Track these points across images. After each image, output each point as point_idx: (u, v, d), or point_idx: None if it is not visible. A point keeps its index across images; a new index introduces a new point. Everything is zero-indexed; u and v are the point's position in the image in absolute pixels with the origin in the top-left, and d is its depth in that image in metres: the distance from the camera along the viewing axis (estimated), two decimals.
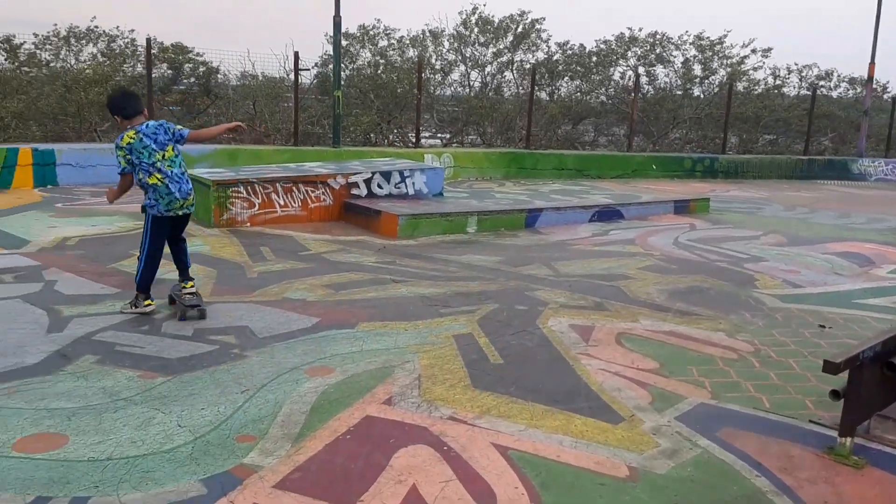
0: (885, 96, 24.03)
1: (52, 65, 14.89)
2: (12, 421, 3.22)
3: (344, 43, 21.78)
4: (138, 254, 5.07)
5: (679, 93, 23.91)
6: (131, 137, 4.81)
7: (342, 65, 22.55)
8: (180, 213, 5.01)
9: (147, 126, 4.88)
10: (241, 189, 8.23)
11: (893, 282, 6.84)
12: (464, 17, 23.32)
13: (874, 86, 23.41)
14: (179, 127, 5.07)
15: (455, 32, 23.60)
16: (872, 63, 19.08)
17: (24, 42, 14.45)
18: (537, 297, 5.72)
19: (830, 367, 3.03)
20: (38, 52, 14.80)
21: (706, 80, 23.72)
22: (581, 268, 6.89)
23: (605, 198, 10.70)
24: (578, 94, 23.89)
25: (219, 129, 5.36)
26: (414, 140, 16.95)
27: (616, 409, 3.65)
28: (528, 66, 23.65)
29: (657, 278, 6.59)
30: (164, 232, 5.03)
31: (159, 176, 4.86)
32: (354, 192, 9.10)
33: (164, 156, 4.89)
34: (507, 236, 8.44)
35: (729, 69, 24.02)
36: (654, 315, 5.38)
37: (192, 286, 5.13)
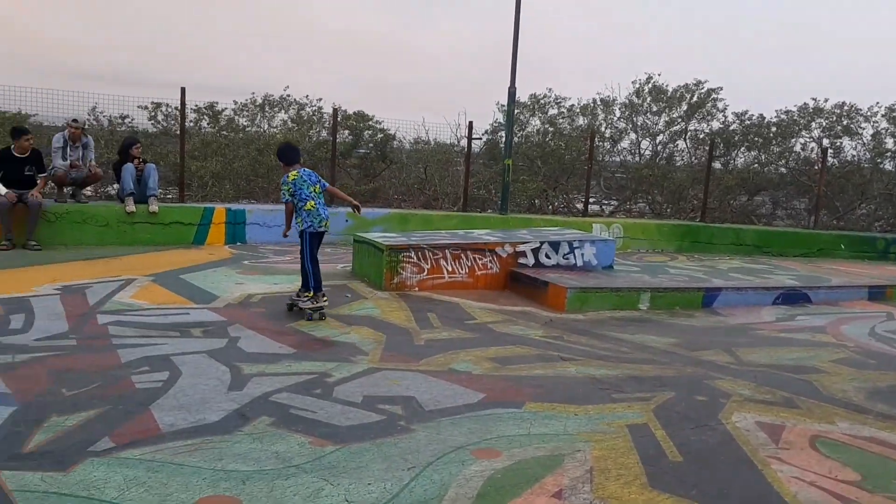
0: None
1: (247, 129, 16.15)
2: (193, 480, 3.32)
3: (515, 111, 22.25)
4: (301, 265, 7.01)
5: (868, 166, 22.25)
6: (295, 175, 6.84)
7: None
8: (322, 229, 6.91)
9: (304, 170, 6.96)
10: (412, 254, 8.39)
11: None
12: (637, 86, 23.12)
13: None
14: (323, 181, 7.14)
15: (627, 101, 23.40)
16: None
17: (225, 108, 15.80)
18: (718, 388, 5.32)
19: None
20: (236, 117, 16.11)
21: None
22: (766, 356, 6.37)
23: (790, 279, 9.96)
24: (756, 165, 22.84)
25: (347, 198, 7.41)
26: (581, 208, 16.78)
27: None
28: (702, 135, 22.96)
29: (853, 373, 5.96)
30: (315, 244, 6.91)
31: (312, 203, 6.81)
32: (521, 261, 9.03)
33: (314, 190, 6.87)
34: (682, 316, 8.01)
35: None
36: (851, 417, 4.83)
37: (310, 294, 6.84)
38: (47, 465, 3.42)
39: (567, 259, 9.36)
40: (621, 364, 5.83)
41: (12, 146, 9.86)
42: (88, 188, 11.88)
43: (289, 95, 16.62)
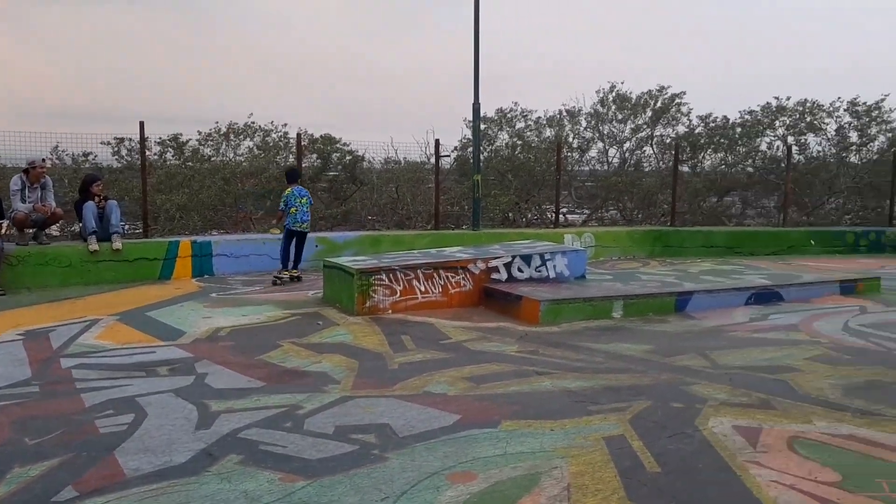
0: None
1: (213, 159, 15.96)
2: None
3: (482, 126, 22.29)
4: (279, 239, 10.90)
5: (833, 161, 22.60)
6: (288, 191, 10.43)
7: (481, 148, 23.05)
8: (296, 228, 10.45)
9: (297, 188, 10.49)
10: (384, 276, 8.31)
11: None
12: (601, 95, 23.31)
13: None
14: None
15: (592, 111, 23.59)
16: None
17: (189, 139, 15.61)
18: (694, 393, 5.29)
19: None
20: (200, 147, 15.92)
21: (864, 147, 22.31)
22: (741, 358, 6.36)
23: (762, 278, 9.99)
24: (723, 166, 23.10)
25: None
26: (553, 218, 16.81)
27: None
28: (668, 140, 23.17)
29: (829, 370, 5.96)
30: (291, 239, 10.58)
31: (294, 209, 10.33)
32: (494, 276, 8.98)
33: (301, 202, 10.38)
34: (655, 322, 8.00)
35: (889, 134, 22.50)
36: (829, 415, 4.81)
37: (292, 273, 10.67)
38: None
39: (540, 272, 9.32)
40: (597, 375, 5.78)
41: None
42: (53, 228, 11.66)
43: (253, 122, 16.49)
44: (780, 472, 3.87)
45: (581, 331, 7.51)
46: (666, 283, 9.67)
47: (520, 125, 22.07)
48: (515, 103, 21.60)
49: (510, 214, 18.36)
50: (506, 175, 18.63)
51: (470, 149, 15.40)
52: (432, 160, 14.62)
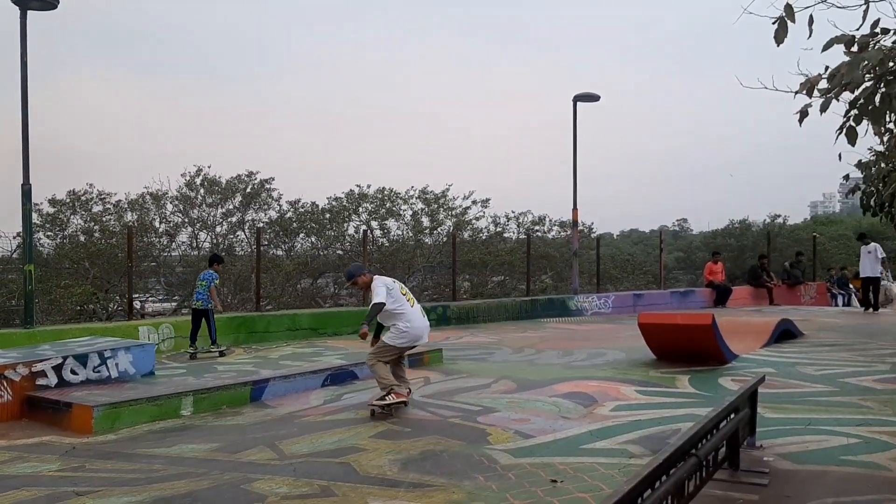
0: (592, 236, 26.99)
1: None
2: None
3: (51, 210, 20.07)
4: None
5: (411, 243, 25.00)
6: None
7: (50, 234, 20.65)
8: None
9: None
10: None
11: (616, 420, 6.96)
12: (187, 178, 22.74)
13: (581, 228, 26.22)
14: None
15: (179, 195, 22.88)
16: (575, 209, 21.25)
17: None
18: (255, 491, 4.98)
19: None
20: None
21: (435, 231, 25.14)
22: (308, 445, 6.25)
23: (339, 358, 10.25)
24: (314, 250, 24.05)
25: None
26: (139, 308, 15.59)
27: None
28: (260, 224, 23.40)
29: (390, 446, 6.14)
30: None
31: None
32: (41, 382, 7.76)
33: None
34: (229, 415, 7.58)
35: (454, 219, 25.73)
36: (384, 493, 4.88)
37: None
38: None
39: (98, 372, 8.33)
40: (150, 486, 5.16)
41: None
42: None
43: None
44: None
45: (142, 435, 6.76)
46: (242, 373, 9.36)
47: (97, 209, 20.45)
48: (91, 185, 20.02)
49: (92, 306, 16.61)
50: (82, 263, 16.89)
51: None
52: None
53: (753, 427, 5.89)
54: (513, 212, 26.96)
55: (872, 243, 19.12)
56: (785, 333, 12.92)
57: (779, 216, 36.62)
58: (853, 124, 4.87)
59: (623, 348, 11.87)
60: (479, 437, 6.40)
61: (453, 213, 25.95)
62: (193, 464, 5.74)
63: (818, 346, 12.09)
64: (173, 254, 23.13)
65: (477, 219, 26.02)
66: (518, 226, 26.94)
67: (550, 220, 27.37)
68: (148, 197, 22.87)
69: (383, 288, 7.41)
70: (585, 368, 10.22)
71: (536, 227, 27.26)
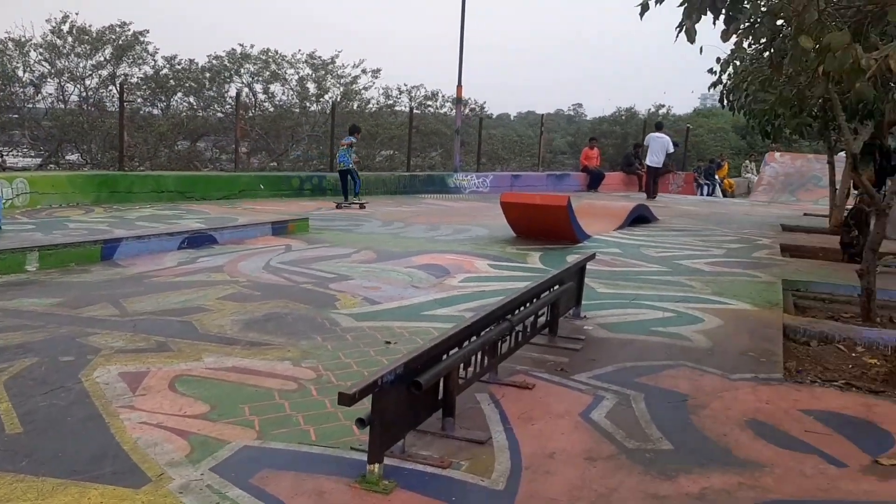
0: (485, 115, 27.16)
1: None
2: None
3: None
4: None
5: (297, 110, 24.29)
6: None
7: None
8: None
9: None
10: None
11: (462, 291, 7.32)
12: (53, 25, 21.10)
13: (473, 107, 26.34)
14: None
15: (44, 41, 21.27)
16: (460, 86, 21.23)
17: None
18: (90, 344, 5.04)
19: (345, 399, 2.96)
20: None
21: (322, 98, 24.46)
22: (154, 303, 6.30)
23: (199, 222, 10.15)
24: (192, 110, 23.08)
25: None
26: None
27: (144, 469, 3.24)
28: (135, 79, 22.16)
29: (236, 307, 6.27)
30: None
31: None
32: None
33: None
34: (76, 273, 7.47)
35: (342, 88, 25.06)
36: (220, 350, 5.04)
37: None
38: None
39: None
40: None
41: None
42: None
43: None
44: (152, 412, 3.90)
45: None
46: (95, 231, 9.15)
47: None
48: None
49: None
50: None
51: None
52: None
53: (579, 299, 6.38)
54: (405, 84, 26.54)
55: (663, 135, 20.15)
56: (640, 218, 13.73)
57: (663, 105, 37.78)
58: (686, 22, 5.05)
59: (488, 225, 12.31)
60: (327, 301, 6.61)
61: (342, 81, 25.29)
62: (31, 317, 5.70)
63: (667, 230, 12.96)
64: (38, 106, 21.69)
65: (366, 89, 25.50)
66: (410, 100, 26.63)
67: (443, 96, 27.08)
68: (10, 43, 21.13)
69: None
70: (448, 243, 10.59)
71: (429, 103, 27.03)
